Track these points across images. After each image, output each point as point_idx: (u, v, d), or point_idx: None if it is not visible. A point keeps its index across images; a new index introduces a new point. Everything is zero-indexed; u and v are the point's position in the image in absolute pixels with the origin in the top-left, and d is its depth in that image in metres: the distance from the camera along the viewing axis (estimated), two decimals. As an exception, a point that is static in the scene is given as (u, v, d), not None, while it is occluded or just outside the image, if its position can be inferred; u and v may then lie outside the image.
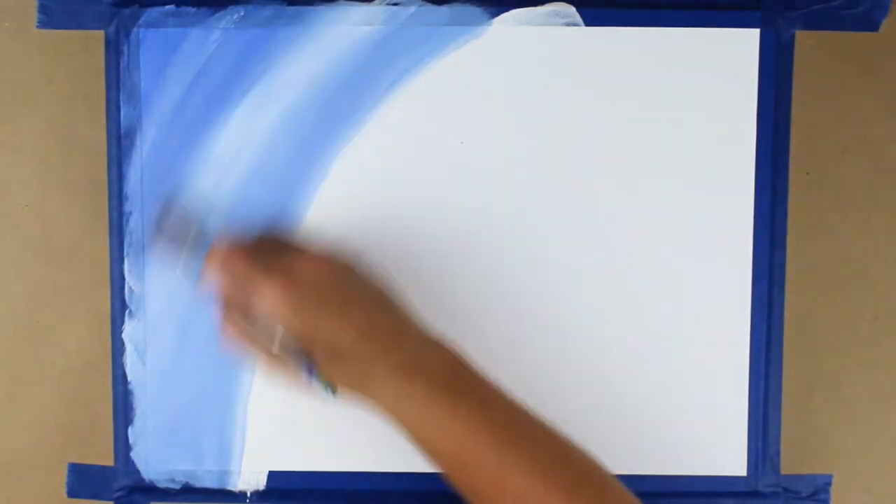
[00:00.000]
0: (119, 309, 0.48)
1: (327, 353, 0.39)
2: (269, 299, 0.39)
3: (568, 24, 0.47)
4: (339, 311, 0.39)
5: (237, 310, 0.40)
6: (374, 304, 0.41)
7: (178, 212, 0.44)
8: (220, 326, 0.41)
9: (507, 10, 0.47)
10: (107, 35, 0.47)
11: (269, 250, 0.41)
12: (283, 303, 0.38)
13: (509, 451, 0.38)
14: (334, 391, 0.40)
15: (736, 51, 0.47)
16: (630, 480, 0.47)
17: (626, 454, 0.48)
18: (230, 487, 0.48)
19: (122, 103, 0.47)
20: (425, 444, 0.39)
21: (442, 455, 0.39)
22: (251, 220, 0.47)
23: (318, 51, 0.47)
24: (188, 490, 0.48)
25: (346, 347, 0.39)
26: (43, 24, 0.47)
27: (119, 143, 0.47)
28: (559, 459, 0.38)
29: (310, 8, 0.47)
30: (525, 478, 0.37)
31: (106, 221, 0.48)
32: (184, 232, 0.44)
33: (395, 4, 0.47)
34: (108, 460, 0.48)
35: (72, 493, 0.48)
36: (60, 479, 0.48)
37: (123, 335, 0.48)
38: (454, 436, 0.38)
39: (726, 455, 0.48)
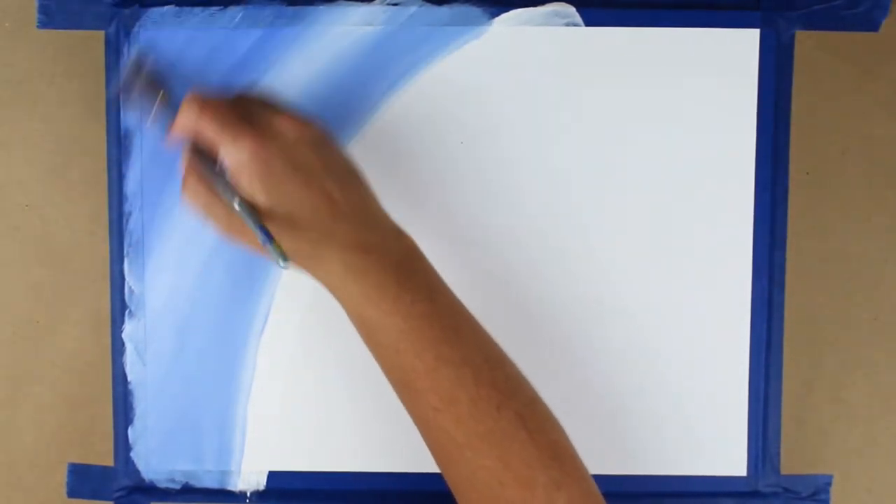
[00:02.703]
0: (119, 309, 0.48)
1: (285, 220, 0.38)
2: (240, 152, 0.38)
3: (568, 24, 0.47)
4: (306, 179, 0.38)
5: (204, 161, 0.39)
6: (342, 177, 0.40)
7: (151, 66, 0.43)
8: (182, 176, 0.40)
9: (507, 10, 0.47)
10: (107, 35, 0.47)
11: (248, 105, 0.40)
12: (254, 158, 0.37)
13: (447, 344, 0.38)
14: (285, 260, 0.38)
15: (736, 51, 0.47)
16: (630, 480, 0.48)
17: (626, 454, 0.48)
18: (230, 487, 0.48)
19: (122, 103, 0.47)
20: (367, 323, 0.39)
21: (381, 337, 0.38)
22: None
23: (318, 51, 0.47)
24: (188, 490, 0.48)
25: (305, 216, 0.38)
26: (43, 24, 0.47)
27: (119, 143, 0.47)
28: (495, 363, 0.39)
29: (310, 8, 0.47)
30: (458, 372, 0.37)
31: (106, 221, 0.48)
32: (155, 84, 0.42)
33: (395, 4, 0.47)
34: (108, 460, 0.48)
35: (72, 493, 0.48)
36: (60, 479, 0.48)
37: (123, 335, 0.48)
38: (397, 317, 0.37)
39: (726, 455, 0.48)
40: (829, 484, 0.48)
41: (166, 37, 0.47)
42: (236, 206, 0.38)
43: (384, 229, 0.40)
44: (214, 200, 0.39)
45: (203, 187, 0.39)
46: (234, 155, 0.38)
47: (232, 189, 0.38)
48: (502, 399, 0.37)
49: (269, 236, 0.38)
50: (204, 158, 0.39)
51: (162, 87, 0.42)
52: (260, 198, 0.38)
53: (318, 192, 0.38)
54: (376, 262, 0.38)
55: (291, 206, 0.38)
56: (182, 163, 0.40)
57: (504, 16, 0.47)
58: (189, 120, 0.39)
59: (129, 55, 0.46)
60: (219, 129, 0.38)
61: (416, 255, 0.40)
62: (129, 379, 0.48)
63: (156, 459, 0.48)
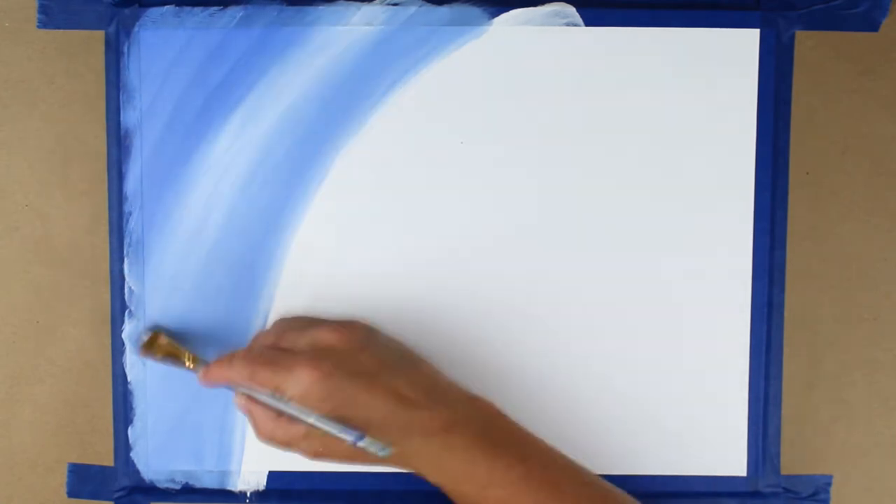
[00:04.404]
0: (119, 309, 0.48)
1: (363, 426, 0.39)
2: (300, 381, 0.39)
3: (568, 24, 0.47)
4: (369, 382, 0.39)
5: (264, 400, 0.40)
6: (401, 367, 0.41)
7: (166, 337, 0.46)
8: (252, 421, 0.41)
9: (507, 10, 0.47)
10: (107, 35, 0.47)
11: (287, 332, 0.42)
12: (315, 381, 0.38)
13: (549, 496, 0.38)
14: (388, 446, 0.39)
15: (736, 51, 0.47)
16: (630, 480, 0.47)
17: (626, 454, 0.48)
18: (230, 487, 0.48)
19: (122, 103, 0.47)
20: (467, 498, 0.39)
21: None
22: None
23: (318, 51, 0.47)
24: (188, 490, 0.48)
25: (379, 417, 0.39)
26: (43, 24, 0.47)
27: (119, 143, 0.47)
28: (598, 502, 0.39)
29: (310, 8, 0.47)
30: None
31: (106, 221, 0.48)
32: (177, 349, 0.45)
33: (395, 4, 0.47)
34: (108, 460, 0.48)
35: (72, 493, 0.48)
36: (60, 479, 0.48)
37: (123, 335, 0.48)
38: (493, 490, 0.38)
39: (726, 455, 0.48)
40: (829, 484, 0.48)
41: (166, 37, 0.47)
42: (316, 424, 0.39)
43: (458, 402, 0.40)
44: (292, 432, 0.40)
45: (275, 424, 0.40)
46: (296, 385, 0.39)
47: (306, 412, 0.39)
48: None
49: (360, 434, 0.39)
50: (262, 398, 0.40)
51: (185, 349, 0.45)
52: (336, 408, 0.39)
53: (383, 391, 0.39)
54: (460, 438, 0.39)
55: (364, 411, 0.39)
56: (243, 409, 0.42)
57: (504, 16, 0.47)
58: (237, 374, 0.41)
59: (140, 334, 0.47)
60: (272, 371, 0.39)
61: (496, 417, 0.40)
62: (129, 379, 0.48)
63: (156, 459, 0.48)
